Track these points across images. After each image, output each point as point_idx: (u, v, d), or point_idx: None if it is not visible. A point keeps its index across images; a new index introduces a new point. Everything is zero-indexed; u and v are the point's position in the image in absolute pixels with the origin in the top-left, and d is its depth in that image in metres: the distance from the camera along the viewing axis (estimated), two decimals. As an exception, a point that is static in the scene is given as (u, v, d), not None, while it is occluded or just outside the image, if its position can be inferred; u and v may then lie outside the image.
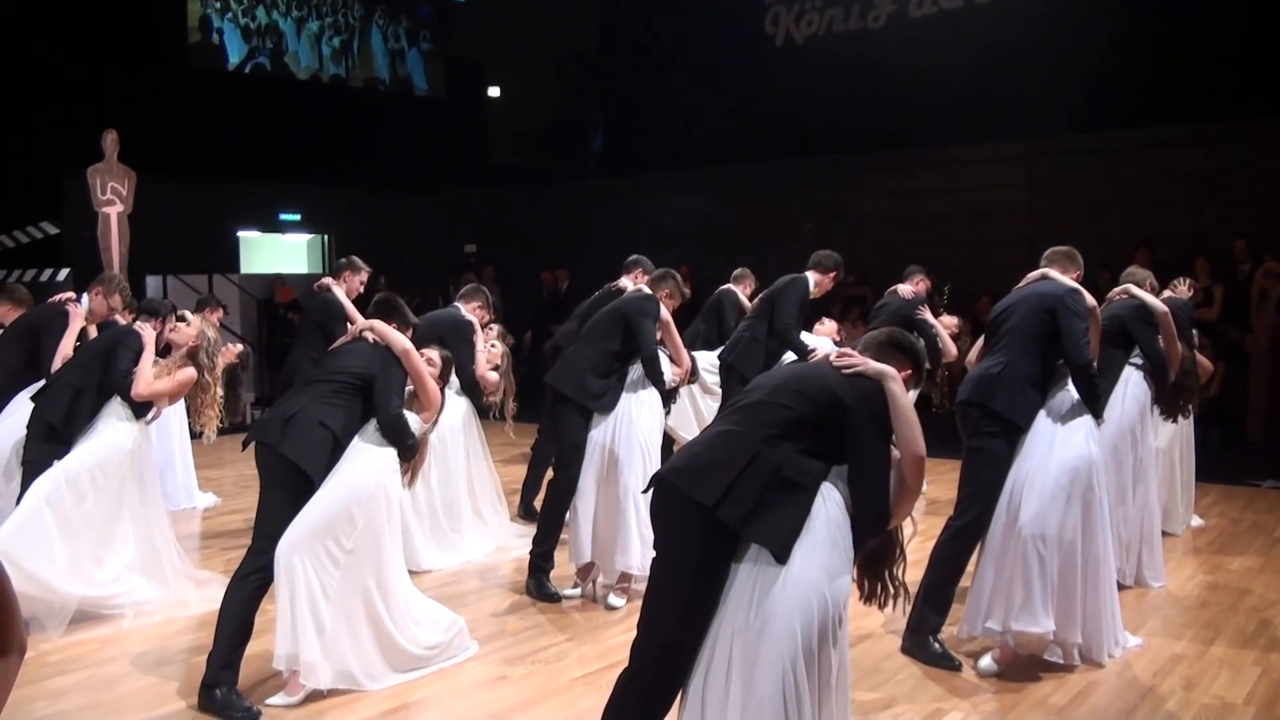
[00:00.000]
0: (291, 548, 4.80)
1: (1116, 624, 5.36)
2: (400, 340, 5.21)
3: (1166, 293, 7.17)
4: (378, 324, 5.31)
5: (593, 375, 6.34)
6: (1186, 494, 7.87)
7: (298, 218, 18.29)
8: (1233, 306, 11.85)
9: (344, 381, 5.09)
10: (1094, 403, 5.31)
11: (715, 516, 3.39)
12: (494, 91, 20.98)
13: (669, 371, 6.56)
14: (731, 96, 16.71)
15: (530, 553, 6.56)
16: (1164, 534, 7.35)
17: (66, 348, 6.69)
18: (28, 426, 6.11)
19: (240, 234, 17.80)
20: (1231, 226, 12.12)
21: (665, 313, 6.57)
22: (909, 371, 3.76)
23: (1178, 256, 11.41)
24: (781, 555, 3.34)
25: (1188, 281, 7.61)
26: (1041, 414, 5.32)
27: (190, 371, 6.24)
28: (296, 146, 16.92)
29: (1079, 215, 13.13)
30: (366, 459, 5.02)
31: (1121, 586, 6.17)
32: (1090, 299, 5.44)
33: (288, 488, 4.93)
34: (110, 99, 13.85)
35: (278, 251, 18.72)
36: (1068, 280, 5.50)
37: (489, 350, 7.50)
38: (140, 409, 6.18)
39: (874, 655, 5.43)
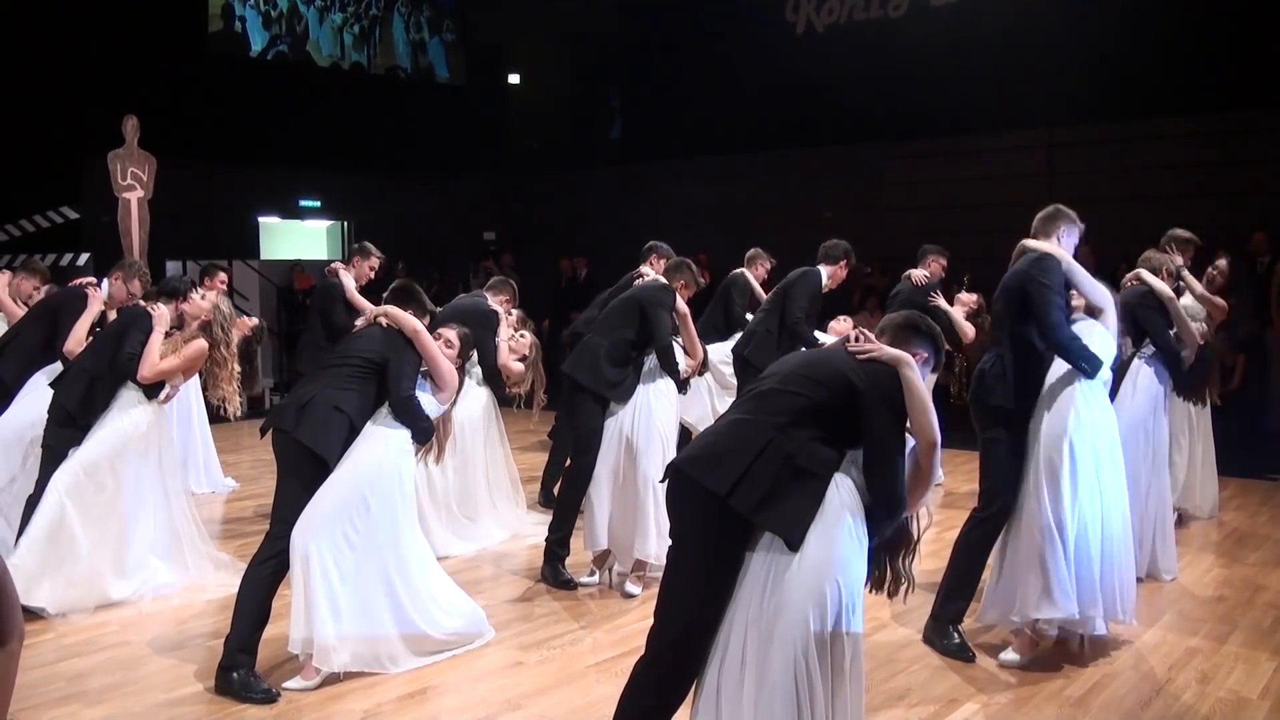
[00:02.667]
0: (306, 532, 4.84)
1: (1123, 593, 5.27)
2: (411, 322, 5.24)
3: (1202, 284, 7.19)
4: (391, 309, 5.34)
5: (608, 363, 6.35)
6: (1207, 478, 7.78)
7: (318, 204, 18.34)
8: (1252, 298, 11.78)
9: (358, 365, 5.13)
10: (1084, 365, 5.16)
11: (728, 504, 3.40)
12: (514, 79, 20.98)
13: (683, 363, 6.57)
14: (751, 84, 16.66)
15: (546, 540, 6.58)
16: (1186, 517, 7.44)
17: (81, 330, 6.71)
18: (48, 411, 6.15)
19: (260, 220, 17.84)
20: (1252, 218, 12.04)
21: (681, 304, 6.57)
22: (926, 354, 3.76)
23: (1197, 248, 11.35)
24: (794, 543, 3.35)
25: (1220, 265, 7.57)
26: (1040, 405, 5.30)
27: (199, 344, 6.21)
28: (317, 133, 16.95)
29: (1099, 205, 13.02)
30: (378, 442, 5.06)
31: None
32: (1064, 259, 5.31)
33: (304, 473, 4.97)
34: (131, 84, 13.88)
35: (297, 237, 18.78)
36: (1044, 246, 5.38)
37: (517, 340, 7.49)
38: (151, 390, 6.19)
39: (889, 645, 5.43)
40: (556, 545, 6.52)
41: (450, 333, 5.52)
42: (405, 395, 5.11)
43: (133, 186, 11.45)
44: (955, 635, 5.34)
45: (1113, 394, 6.40)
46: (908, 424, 3.58)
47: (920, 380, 3.61)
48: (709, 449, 3.57)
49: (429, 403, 5.21)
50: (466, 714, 4.66)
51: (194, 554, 6.43)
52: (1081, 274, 5.35)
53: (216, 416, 7.22)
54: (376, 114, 18.16)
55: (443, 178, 18.80)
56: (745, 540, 3.44)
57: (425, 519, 6.88)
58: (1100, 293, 5.40)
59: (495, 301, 7.62)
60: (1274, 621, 5.83)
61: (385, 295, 5.69)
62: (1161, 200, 12.76)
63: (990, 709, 4.69)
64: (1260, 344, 11.69)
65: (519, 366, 7.37)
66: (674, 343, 6.49)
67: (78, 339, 6.67)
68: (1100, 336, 5.25)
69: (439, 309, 6.95)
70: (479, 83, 20.50)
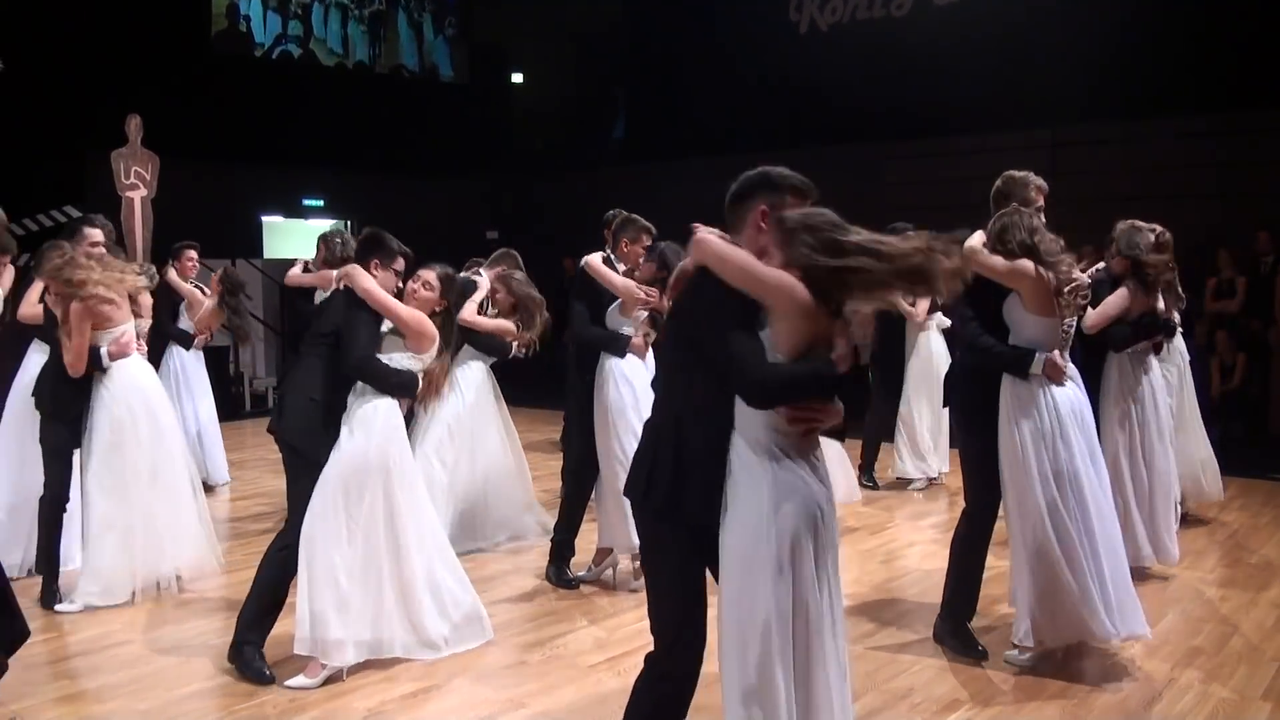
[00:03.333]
0: (308, 528, 4.86)
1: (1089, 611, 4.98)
2: (362, 281, 5.06)
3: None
4: (350, 268, 5.18)
5: (581, 369, 6.39)
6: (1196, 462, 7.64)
7: (321, 203, 18.34)
8: (1255, 299, 11.79)
9: (321, 345, 5.10)
10: (1008, 368, 5.03)
11: (651, 507, 3.38)
12: (517, 78, 21.00)
13: (626, 326, 6.32)
14: (754, 84, 16.65)
15: (552, 539, 6.58)
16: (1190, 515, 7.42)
17: (33, 294, 6.69)
18: (38, 410, 6.21)
19: (264, 219, 17.86)
20: (1255, 218, 12.04)
21: (596, 260, 6.32)
22: (764, 205, 3.34)
23: (1200, 248, 11.35)
24: (702, 517, 3.29)
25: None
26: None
27: (75, 308, 5.84)
28: (321, 132, 16.95)
29: (1102, 205, 13.03)
30: (361, 428, 4.98)
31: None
32: (975, 251, 5.09)
33: (298, 466, 5.04)
34: (135, 83, 13.87)
35: (301, 236, 18.72)
36: (968, 242, 5.20)
37: (499, 298, 7.37)
38: (98, 365, 6.03)
39: (891, 645, 5.44)
40: (562, 545, 6.52)
41: (429, 274, 5.32)
42: (355, 360, 4.98)
43: (136, 185, 11.44)
44: (965, 632, 5.33)
45: (1098, 381, 6.38)
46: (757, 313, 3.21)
47: (709, 244, 3.28)
48: (632, 461, 3.54)
49: (403, 360, 5.09)
50: (470, 712, 4.67)
51: (197, 531, 6.43)
52: (983, 260, 5.06)
53: (224, 414, 7.20)
54: (380, 113, 18.16)
55: (446, 177, 18.80)
56: (692, 534, 3.33)
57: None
58: (1006, 269, 4.99)
59: (488, 273, 7.52)
60: (1277, 622, 5.82)
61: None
62: (1165, 200, 12.73)
63: (993, 709, 4.69)
64: (1264, 344, 11.69)
65: (492, 323, 7.22)
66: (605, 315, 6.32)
67: (30, 301, 6.68)
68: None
69: None
70: (483, 82, 20.50)
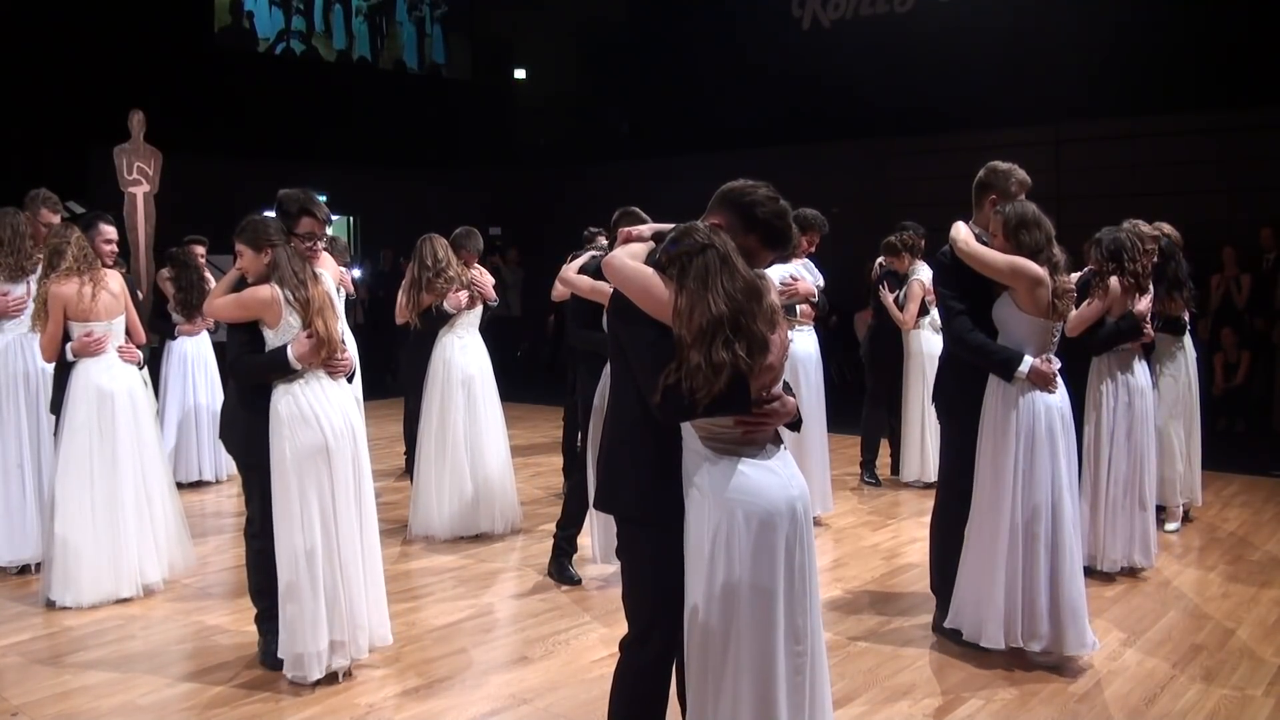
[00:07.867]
0: (278, 551, 4.77)
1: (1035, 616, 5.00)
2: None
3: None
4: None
5: (585, 373, 6.38)
6: (1188, 471, 7.59)
7: (324, 199, 18.30)
8: (1259, 296, 11.77)
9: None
10: (995, 369, 4.99)
11: (617, 511, 3.41)
12: (520, 74, 21.01)
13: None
14: (758, 80, 16.65)
15: (554, 536, 6.57)
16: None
17: None
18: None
19: (267, 215, 17.83)
20: (1258, 215, 12.02)
21: (566, 270, 6.34)
22: (718, 219, 3.43)
23: (1205, 244, 11.33)
24: (632, 513, 3.33)
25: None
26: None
27: (19, 292, 6.21)
28: (324, 128, 16.99)
29: (1106, 202, 13.04)
30: (273, 434, 4.76)
31: (1097, 572, 6.23)
32: (969, 244, 5.08)
33: (244, 471, 5.04)
34: (138, 79, 13.89)
35: (304, 232, 18.77)
36: (953, 233, 5.19)
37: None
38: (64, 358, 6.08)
39: (895, 641, 5.44)
40: (564, 542, 6.51)
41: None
42: (229, 365, 4.94)
43: (139, 181, 11.44)
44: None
45: (1080, 382, 6.36)
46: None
47: (611, 264, 3.29)
48: (597, 467, 3.54)
49: (272, 339, 4.86)
50: (472, 709, 4.67)
51: (169, 544, 6.37)
52: (982, 254, 5.02)
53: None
54: (383, 109, 18.20)
55: (449, 173, 18.82)
56: (661, 530, 3.32)
57: (429, 500, 7.25)
58: (1009, 265, 4.93)
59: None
60: (1278, 619, 5.82)
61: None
62: (1169, 197, 12.75)
63: (995, 704, 4.69)
64: (1267, 341, 11.67)
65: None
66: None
67: None
68: None
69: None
70: (486, 78, 20.52)
